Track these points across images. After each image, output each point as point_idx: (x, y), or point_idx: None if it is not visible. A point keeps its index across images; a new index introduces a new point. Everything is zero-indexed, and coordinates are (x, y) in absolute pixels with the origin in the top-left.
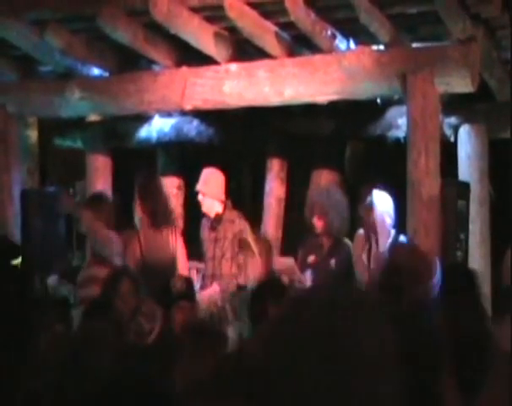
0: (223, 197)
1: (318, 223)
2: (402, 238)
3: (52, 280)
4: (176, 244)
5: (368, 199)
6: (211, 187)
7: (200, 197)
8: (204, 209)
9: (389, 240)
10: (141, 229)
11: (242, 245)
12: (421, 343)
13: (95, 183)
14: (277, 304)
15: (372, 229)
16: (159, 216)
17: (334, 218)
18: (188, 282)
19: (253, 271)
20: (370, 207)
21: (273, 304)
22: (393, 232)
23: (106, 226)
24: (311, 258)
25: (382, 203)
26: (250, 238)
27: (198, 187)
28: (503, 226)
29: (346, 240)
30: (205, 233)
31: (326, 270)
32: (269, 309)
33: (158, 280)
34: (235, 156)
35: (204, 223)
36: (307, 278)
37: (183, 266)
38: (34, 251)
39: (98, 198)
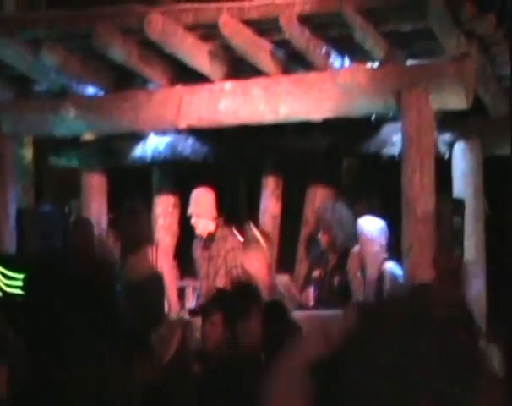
0: (215, 214)
1: (322, 238)
2: (390, 264)
3: None
4: (157, 261)
5: (358, 227)
6: (203, 208)
7: (194, 220)
8: (199, 231)
9: (379, 267)
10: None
11: (250, 240)
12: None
13: (91, 202)
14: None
15: (361, 257)
16: (132, 238)
17: (339, 233)
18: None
19: (255, 266)
20: (359, 234)
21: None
22: (383, 258)
23: None
24: (315, 273)
25: (370, 231)
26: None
27: (191, 210)
28: (499, 242)
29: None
30: (198, 251)
31: (330, 286)
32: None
33: (140, 298)
34: (230, 174)
35: (197, 243)
36: (311, 294)
37: (169, 280)
38: (28, 272)
39: None
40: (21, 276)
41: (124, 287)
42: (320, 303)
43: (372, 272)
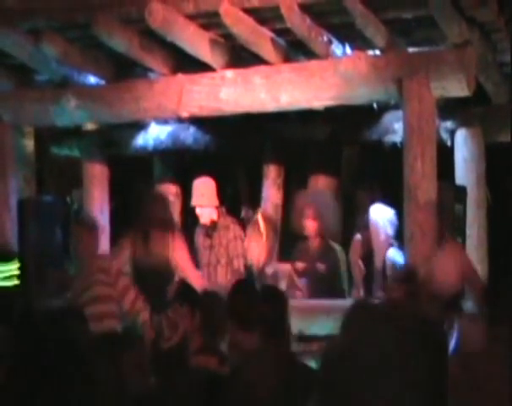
0: (217, 203)
1: (310, 225)
2: (392, 252)
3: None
4: (174, 249)
5: (366, 216)
6: (206, 197)
7: (198, 210)
8: (203, 220)
9: (384, 255)
10: (136, 237)
11: (252, 226)
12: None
13: (92, 192)
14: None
15: (369, 245)
16: (150, 223)
17: (328, 220)
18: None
19: (256, 254)
20: (367, 224)
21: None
22: (388, 246)
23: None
24: (298, 265)
25: (377, 219)
26: (261, 221)
27: (194, 202)
28: (501, 229)
29: (334, 244)
30: (200, 240)
31: (315, 274)
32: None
33: (152, 285)
34: (231, 163)
35: (199, 231)
36: (304, 286)
37: (187, 267)
38: (30, 260)
39: None
40: (14, 266)
41: (140, 268)
42: (312, 292)
43: (378, 260)
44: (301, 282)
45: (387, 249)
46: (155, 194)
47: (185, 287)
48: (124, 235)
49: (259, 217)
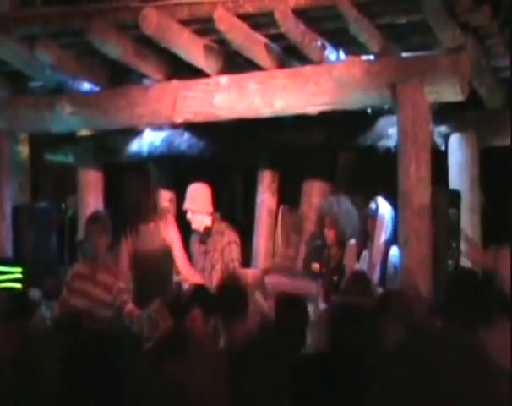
0: (211, 209)
1: (329, 234)
2: (395, 250)
3: (34, 294)
4: (167, 234)
5: (373, 205)
6: (199, 203)
7: (189, 215)
8: (195, 226)
9: (384, 251)
10: (131, 230)
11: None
12: None
13: (87, 198)
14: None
15: (370, 237)
16: (140, 212)
17: (346, 228)
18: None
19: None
20: (375, 214)
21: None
22: (388, 243)
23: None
24: (315, 266)
25: (386, 213)
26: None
27: (186, 205)
28: (495, 234)
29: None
30: (195, 246)
31: (330, 281)
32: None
33: (152, 274)
34: (226, 169)
35: (193, 237)
36: (311, 287)
37: (178, 253)
38: (25, 266)
39: None
40: (19, 269)
41: (134, 258)
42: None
43: (376, 253)
44: (307, 283)
45: (389, 246)
46: (132, 181)
47: (200, 291)
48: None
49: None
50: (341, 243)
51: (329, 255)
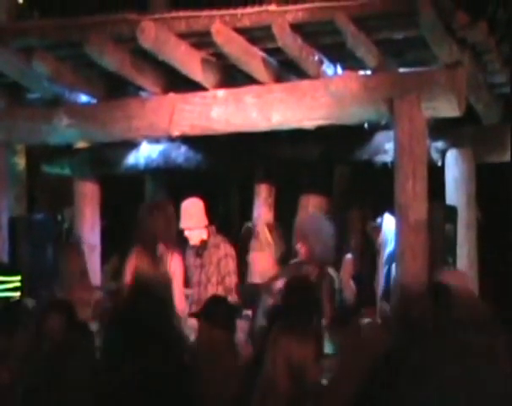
0: (206, 222)
1: (301, 249)
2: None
3: (29, 303)
4: (171, 266)
5: (379, 220)
6: (195, 219)
7: (187, 233)
8: (193, 242)
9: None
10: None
11: (258, 237)
12: None
13: (84, 210)
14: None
15: (377, 251)
16: (145, 241)
17: (316, 245)
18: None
19: (261, 266)
20: (379, 229)
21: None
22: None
23: None
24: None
25: (391, 230)
26: (267, 232)
27: (183, 225)
28: (491, 249)
29: (331, 270)
30: (190, 259)
31: None
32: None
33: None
34: (223, 182)
35: (189, 250)
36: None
37: (177, 286)
38: (22, 278)
39: None
40: (17, 278)
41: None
42: None
43: (379, 268)
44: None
45: (392, 260)
46: (160, 208)
47: (213, 304)
48: (129, 251)
49: (264, 228)
50: (312, 260)
51: (307, 271)
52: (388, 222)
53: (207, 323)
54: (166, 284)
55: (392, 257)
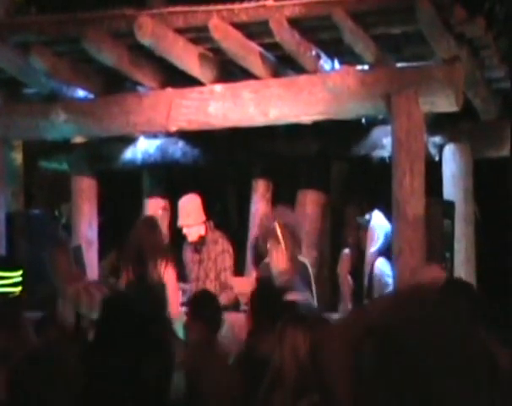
0: (204, 218)
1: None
2: (381, 261)
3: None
4: (165, 275)
5: (367, 217)
6: (193, 216)
7: (185, 230)
8: (191, 239)
9: (372, 262)
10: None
11: (269, 235)
12: None
13: (81, 206)
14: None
15: (362, 247)
16: (144, 250)
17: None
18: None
19: (277, 260)
20: (365, 227)
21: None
22: (376, 255)
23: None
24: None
25: (378, 226)
26: (278, 229)
27: (181, 222)
28: (489, 244)
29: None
30: (188, 255)
31: None
32: None
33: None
34: (220, 178)
35: (187, 246)
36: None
37: (172, 293)
38: (23, 273)
39: None
40: (18, 273)
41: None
42: None
43: (366, 265)
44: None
45: (376, 257)
46: (147, 221)
47: (202, 299)
48: (118, 258)
49: (276, 226)
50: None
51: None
52: (376, 219)
53: (192, 318)
54: (158, 290)
55: (378, 254)
